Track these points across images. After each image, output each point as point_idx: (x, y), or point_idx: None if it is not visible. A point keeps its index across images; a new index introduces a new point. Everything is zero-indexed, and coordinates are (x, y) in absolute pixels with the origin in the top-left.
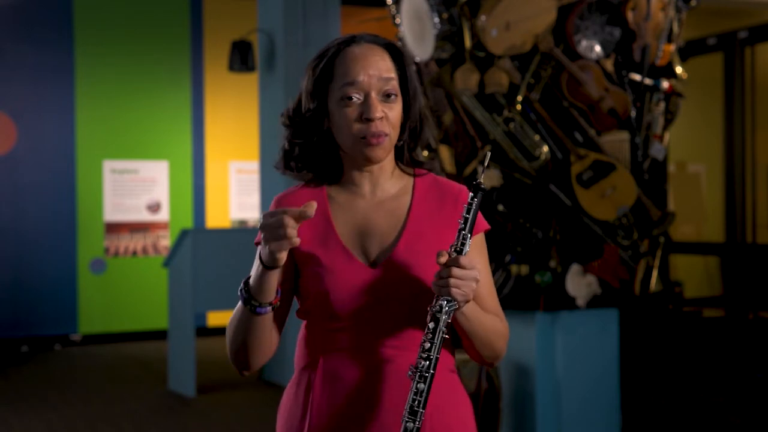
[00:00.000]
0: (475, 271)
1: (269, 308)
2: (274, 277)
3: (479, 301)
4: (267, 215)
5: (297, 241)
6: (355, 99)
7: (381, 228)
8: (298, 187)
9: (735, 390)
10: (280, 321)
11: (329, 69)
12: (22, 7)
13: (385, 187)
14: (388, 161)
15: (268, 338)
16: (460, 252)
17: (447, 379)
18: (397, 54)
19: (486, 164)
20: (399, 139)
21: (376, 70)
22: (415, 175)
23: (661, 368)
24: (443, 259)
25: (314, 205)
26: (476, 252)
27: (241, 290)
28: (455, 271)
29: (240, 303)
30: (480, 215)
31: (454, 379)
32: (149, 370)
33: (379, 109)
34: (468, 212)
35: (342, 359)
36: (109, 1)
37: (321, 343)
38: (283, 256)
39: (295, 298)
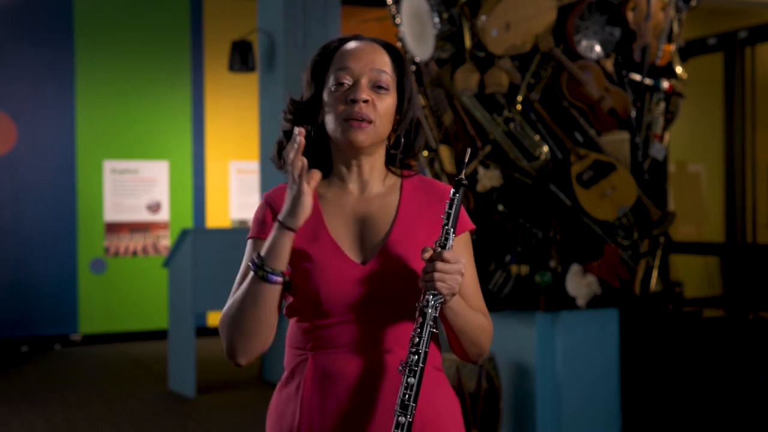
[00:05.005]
0: (460, 265)
1: (280, 278)
2: (289, 242)
3: (465, 300)
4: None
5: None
6: (345, 84)
7: (371, 224)
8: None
9: (735, 390)
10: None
11: (327, 59)
12: (22, 7)
13: (374, 186)
14: (378, 162)
15: (271, 319)
16: (444, 247)
17: (433, 376)
18: (397, 56)
19: (467, 160)
20: (395, 146)
21: (371, 60)
22: (402, 176)
23: (661, 368)
24: (428, 254)
25: (319, 173)
26: (462, 251)
27: (252, 261)
28: (440, 265)
29: (247, 281)
30: (466, 215)
31: (441, 377)
32: (149, 370)
33: (365, 93)
34: (450, 207)
35: (332, 357)
36: (109, 1)
37: (310, 340)
38: (307, 205)
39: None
